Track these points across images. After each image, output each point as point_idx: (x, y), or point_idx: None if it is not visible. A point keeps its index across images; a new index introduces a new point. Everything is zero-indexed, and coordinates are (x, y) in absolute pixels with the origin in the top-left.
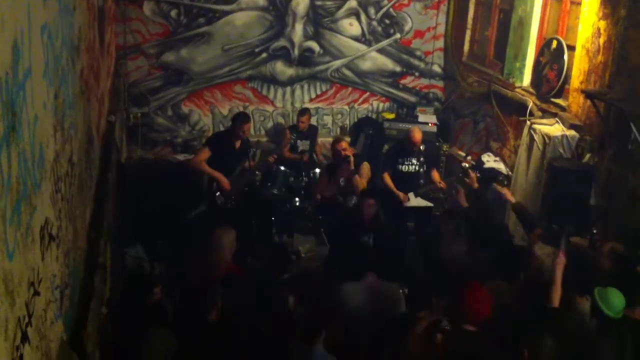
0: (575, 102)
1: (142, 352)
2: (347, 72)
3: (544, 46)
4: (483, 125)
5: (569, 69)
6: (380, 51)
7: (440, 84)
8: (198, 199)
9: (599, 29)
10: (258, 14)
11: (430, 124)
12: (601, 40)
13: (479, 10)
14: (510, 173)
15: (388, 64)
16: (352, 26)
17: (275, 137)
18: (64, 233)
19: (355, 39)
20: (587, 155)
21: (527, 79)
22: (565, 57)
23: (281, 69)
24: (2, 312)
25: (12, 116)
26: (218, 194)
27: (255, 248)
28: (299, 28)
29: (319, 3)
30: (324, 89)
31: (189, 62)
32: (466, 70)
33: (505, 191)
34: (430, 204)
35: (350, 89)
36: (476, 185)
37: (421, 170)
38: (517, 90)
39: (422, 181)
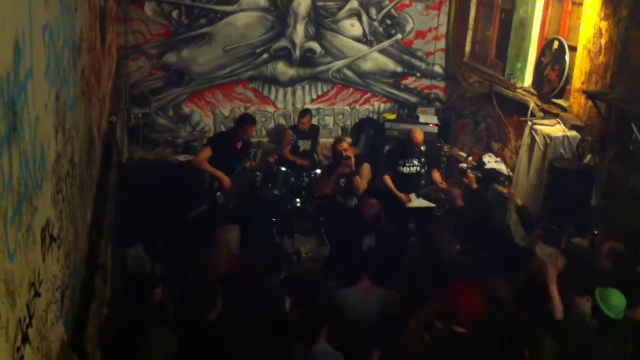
0: (576, 102)
1: (142, 352)
2: (349, 73)
3: (546, 46)
4: (484, 125)
5: (571, 69)
6: (382, 52)
7: (442, 84)
8: (199, 199)
9: (600, 30)
10: (259, 15)
11: (431, 125)
12: (602, 41)
13: (480, 11)
14: (511, 174)
15: (389, 64)
16: (353, 27)
17: (276, 137)
18: (65, 234)
19: (357, 39)
20: (588, 156)
21: (528, 79)
22: (567, 57)
23: (282, 69)
24: (3, 313)
25: (13, 116)
26: (219, 193)
27: (255, 248)
28: (300, 29)
29: (320, 4)
30: (325, 90)
31: (190, 63)
32: (467, 71)
33: (511, 192)
34: (431, 205)
35: (351, 89)
36: (475, 185)
37: (422, 170)
38: (518, 90)
39: (423, 182)
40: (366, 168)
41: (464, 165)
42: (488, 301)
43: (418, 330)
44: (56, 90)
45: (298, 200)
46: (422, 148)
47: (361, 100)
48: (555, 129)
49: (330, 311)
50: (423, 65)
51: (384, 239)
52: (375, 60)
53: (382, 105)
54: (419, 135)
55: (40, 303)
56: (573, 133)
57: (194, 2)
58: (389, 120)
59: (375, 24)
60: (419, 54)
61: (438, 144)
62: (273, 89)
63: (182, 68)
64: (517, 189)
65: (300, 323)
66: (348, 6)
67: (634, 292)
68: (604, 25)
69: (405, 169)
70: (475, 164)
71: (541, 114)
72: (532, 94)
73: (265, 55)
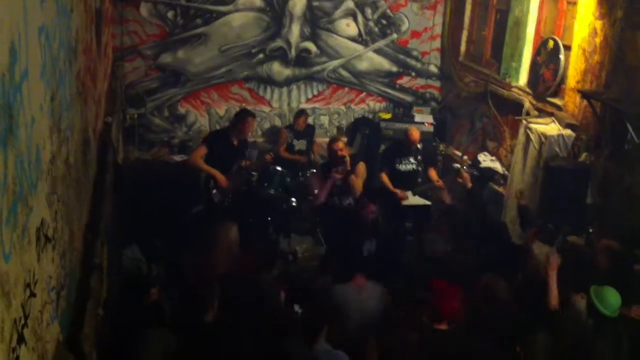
0: (571, 101)
1: (139, 353)
2: (344, 73)
3: (541, 46)
4: (480, 125)
5: (565, 68)
6: (377, 51)
7: (437, 84)
8: (195, 199)
9: (595, 29)
10: (255, 15)
11: (426, 124)
12: (597, 40)
13: (475, 11)
14: (506, 172)
15: (385, 64)
16: (349, 27)
17: (272, 137)
18: (60, 234)
19: (352, 39)
20: (584, 155)
21: (523, 78)
22: (562, 56)
23: (278, 69)
24: None
25: (9, 118)
26: (215, 191)
27: (252, 247)
28: (295, 29)
29: (315, 4)
30: (320, 90)
31: (185, 63)
32: (463, 70)
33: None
34: (428, 202)
35: (346, 89)
36: (470, 184)
37: (419, 168)
38: (513, 89)
39: (420, 180)
40: (362, 167)
41: (458, 165)
42: (485, 299)
43: (408, 327)
44: (52, 91)
45: (294, 200)
46: (419, 146)
47: (357, 100)
48: (550, 128)
49: (329, 310)
50: (418, 65)
51: (383, 242)
52: (371, 60)
53: (378, 105)
54: (415, 134)
55: (36, 303)
56: (568, 132)
57: (190, 2)
58: (384, 120)
59: (371, 23)
60: (415, 53)
61: (434, 144)
62: (269, 89)
63: (178, 68)
64: (513, 187)
65: (299, 323)
66: (343, 6)
67: (629, 290)
68: (599, 24)
69: (402, 167)
70: (470, 162)
71: (536, 113)
72: (527, 93)
73: (261, 56)
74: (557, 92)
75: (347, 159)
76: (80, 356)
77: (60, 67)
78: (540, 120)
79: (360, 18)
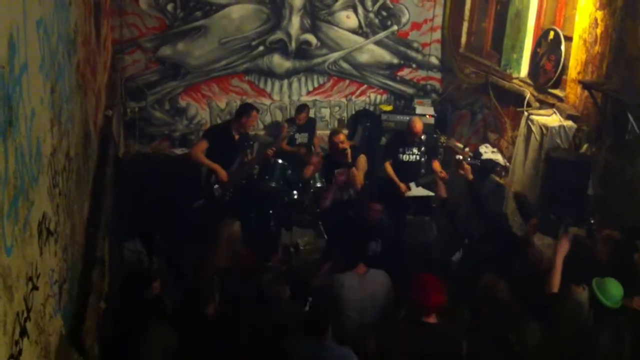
0: (572, 92)
1: (141, 346)
2: (345, 65)
3: (541, 37)
4: (481, 116)
5: (566, 59)
6: (378, 43)
7: (438, 75)
8: (196, 193)
9: (596, 20)
10: (255, 7)
11: (427, 116)
12: (598, 31)
13: (476, 2)
14: (507, 164)
15: (385, 56)
16: (349, 18)
17: (273, 130)
18: (62, 228)
19: (353, 31)
20: (585, 146)
21: (524, 70)
22: (563, 47)
23: (278, 62)
24: (1, 307)
25: (8, 111)
26: (216, 186)
27: (254, 241)
28: (295, 21)
29: None
30: (321, 82)
31: (185, 56)
32: (463, 62)
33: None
34: (430, 194)
35: (347, 81)
36: (471, 176)
37: (422, 159)
38: (514, 81)
39: (423, 171)
40: (362, 160)
41: (460, 156)
42: (485, 299)
43: (400, 322)
44: (51, 84)
45: (295, 192)
46: (423, 137)
47: (357, 92)
48: (552, 119)
49: (334, 305)
50: (419, 57)
51: (388, 243)
52: (371, 52)
53: (379, 97)
54: (418, 125)
55: (38, 297)
56: (569, 123)
57: None
58: (385, 112)
59: (371, 15)
60: (415, 45)
61: (435, 135)
62: (269, 82)
63: (178, 61)
64: (514, 179)
65: (306, 321)
66: None
67: (631, 281)
68: (599, 15)
69: (405, 157)
70: (471, 154)
71: (537, 105)
72: (528, 84)
73: (261, 48)
74: (558, 83)
75: (348, 151)
76: (83, 349)
77: (60, 60)
78: (541, 111)
79: (360, 10)
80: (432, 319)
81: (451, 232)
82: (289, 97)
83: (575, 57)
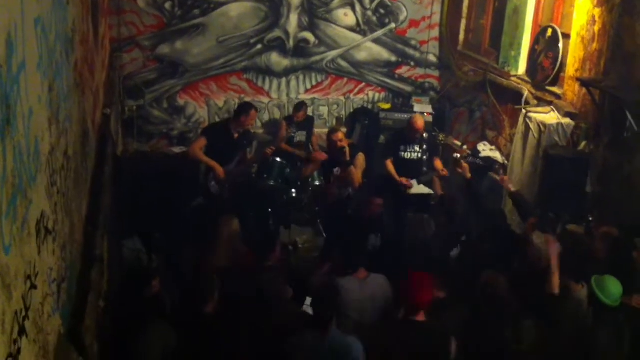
0: (570, 90)
1: (140, 345)
2: (343, 63)
3: (539, 34)
4: (479, 114)
5: (564, 57)
6: (376, 41)
7: (436, 73)
8: (195, 191)
9: (593, 17)
10: (252, 5)
11: (426, 114)
12: (596, 28)
13: None
14: (506, 162)
15: (383, 54)
16: (347, 16)
17: (271, 128)
18: (61, 226)
19: (351, 29)
20: (583, 143)
21: (522, 67)
22: (561, 45)
23: (276, 60)
24: (0, 306)
25: (6, 109)
26: (213, 182)
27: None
28: (293, 19)
29: None
30: (319, 80)
31: (184, 54)
32: (461, 60)
33: (505, 179)
34: (431, 192)
35: (345, 79)
36: (469, 175)
37: (424, 157)
38: (512, 78)
39: (424, 169)
40: (361, 158)
41: (458, 155)
42: (485, 297)
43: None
44: (49, 82)
45: (294, 190)
46: (425, 135)
47: (356, 90)
48: (550, 117)
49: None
50: (417, 55)
51: (386, 235)
52: (370, 49)
53: (377, 95)
54: (420, 122)
55: (37, 295)
56: (567, 120)
57: None
58: (383, 110)
59: (369, 13)
60: (413, 43)
61: (433, 133)
62: (267, 80)
63: (176, 60)
64: (512, 177)
65: (310, 316)
66: None
67: (630, 279)
68: (597, 12)
69: (407, 155)
70: (470, 152)
71: (535, 102)
72: (526, 82)
73: (259, 46)
74: (556, 80)
75: (347, 149)
76: (82, 348)
77: (57, 59)
78: (539, 109)
79: (358, 7)
80: (421, 317)
81: (449, 229)
82: (287, 95)
83: (573, 54)
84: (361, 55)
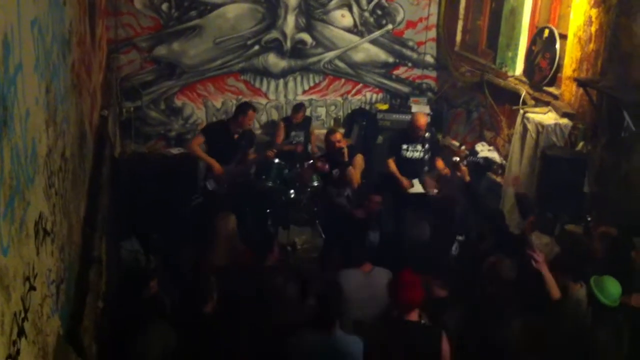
0: (567, 90)
1: (139, 346)
2: (340, 64)
3: (536, 35)
4: (476, 114)
5: (561, 57)
6: (373, 42)
7: (433, 74)
8: (192, 192)
9: (590, 17)
10: (250, 6)
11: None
12: (593, 29)
13: (470, 0)
14: (504, 162)
15: (381, 55)
16: (344, 17)
17: (269, 129)
18: (59, 228)
19: (348, 30)
20: (580, 143)
21: (519, 68)
22: (557, 45)
23: (274, 61)
24: None
25: (3, 111)
26: (210, 180)
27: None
28: (290, 20)
29: None
30: (317, 81)
31: (181, 56)
32: (459, 60)
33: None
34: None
35: (343, 80)
36: (468, 178)
37: (426, 157)
38: (509, 79)
39: (426, 168)
40: (359, 159)
41: (457, 158)
42: (491, 279)
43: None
44: (46, 84)
45: (292, 191)
46: (427, 135)
47: (353, 91)
48: (547, 117)
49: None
50: (414, 55)
51: (384, 233)
52: (367, 50)
53: (375, 96)
54: (422, 119)
55: (36, 297)
56: (565, 121)
57: None
58: (381, 111)
59: (366, 14)
60: (410, 44)
61: (434, 132)
62: (265, 81)
63: (173, 61)
64: (510, 177)
65: (314, 315)
66: None
67: (628, 278)
68: (594, 12)
69: (409, 154)
70: (467, 153)
71: (533, 102)
72: (524, 82)
73: (256, 47)
74: (553, 81)
75: (345, 150)
76: (80, 349)
77: (54, 60)
78: (537, 109)
79: (355, 8)
80: (414, 317)
81: (447, 228)
82: (285, 96)
83: (570, 54)
84: (358, 56)
